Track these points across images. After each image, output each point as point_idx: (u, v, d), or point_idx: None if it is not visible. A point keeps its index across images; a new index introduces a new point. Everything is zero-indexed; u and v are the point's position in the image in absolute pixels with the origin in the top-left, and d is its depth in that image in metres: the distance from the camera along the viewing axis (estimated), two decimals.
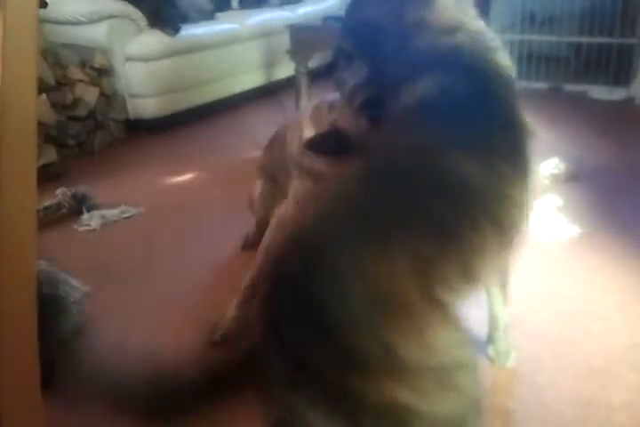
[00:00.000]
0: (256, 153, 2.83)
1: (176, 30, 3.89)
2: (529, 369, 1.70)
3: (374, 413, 0.92)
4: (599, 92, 4.41)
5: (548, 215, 2.53)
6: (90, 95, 3.52)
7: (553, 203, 2.62)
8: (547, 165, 2.90)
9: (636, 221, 2.53)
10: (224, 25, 4.38)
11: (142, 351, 1.82)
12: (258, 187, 2.31)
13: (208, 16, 4.52)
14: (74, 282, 2.04)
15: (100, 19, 3.70)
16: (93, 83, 3.55)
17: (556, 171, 2.87)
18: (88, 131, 3.52)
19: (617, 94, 4.34)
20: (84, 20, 3.69)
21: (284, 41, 4.06)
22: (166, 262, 2.35)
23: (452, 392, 0.97)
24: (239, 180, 2.90)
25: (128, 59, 3.76)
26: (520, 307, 1.98)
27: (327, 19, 3.87)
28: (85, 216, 2.64)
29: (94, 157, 3.47)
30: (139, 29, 3.84)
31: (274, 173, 2.20)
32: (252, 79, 4.53)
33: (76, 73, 3.44)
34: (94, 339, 1.88)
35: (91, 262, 2.33)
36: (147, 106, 3.83)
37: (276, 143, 2.17)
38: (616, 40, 4.48)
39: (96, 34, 3.70)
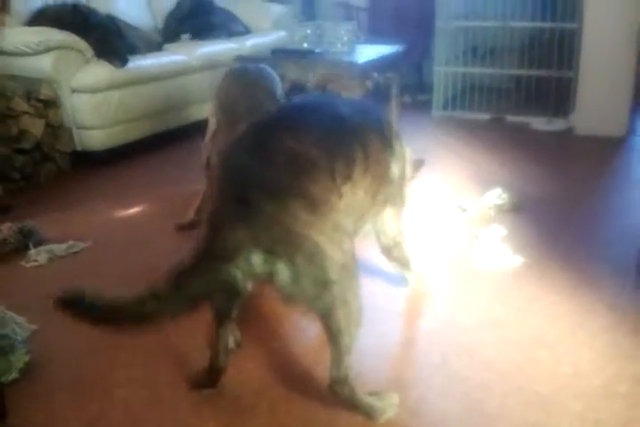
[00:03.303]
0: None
1: (123, 62, 3.89)
2: (478, 398, 1.73)
3: (294, 242, 1.44)
4: (539, 123, 4.56)
5: (493, 245, 2.60)
6: (35, 127, 3.49)
7: (497, 233, 2.69)
8: (490, 196, 2.98)
9: (575, 251, 2.61)
10: (172, 56, 4.40)
11: (94, 388, 1.81)
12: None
13: (156, 47, 4.54)
14: (21, 320, 2.01)
15: (46, 50, 3.67)
16: (39, 114, 3.52)
17: (499, 201, 2.95)
18: (34, 163, 3.48)
19: (556, 125, 4.49)
20: (29, 51, 3.66)
21: None
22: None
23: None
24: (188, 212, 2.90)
25: (75, 90, 3.74)
26: (468, 335, 2.04)
27: (274, 51, 3.93)
28: (32, 251, 2.60)
29: (41, 191, 3.42)
30: (85, 61, 3.82)
31: None
32: (201, 110, 4.53)
33: (20, 105, 3.40)
34: (43, 377, 1.85)
35: (38, 299, 2.28)
36: (94, 138, 3.80)
37: None
38: (554, 73, 4.66)
39: (42, 65, 3.67)
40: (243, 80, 2.70)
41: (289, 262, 1.45)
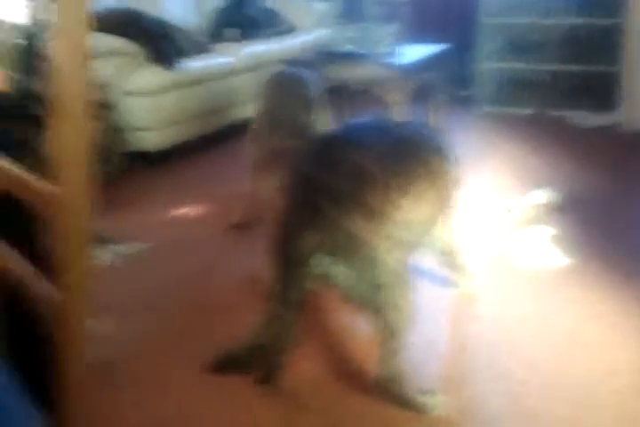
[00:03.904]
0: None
1: (173, 64, 4.02)
2: (519, 395, 1.81)
3: (352, 246, 1.60)
4: (582, 117, 4.57)
5: (540, 245, 2.66)
6: (92, 129, 3.63)
7: (545, 233, 2.75)
8: (535, 196, 3.03)
9: (622, 251, 2.64)
10: (219, 58, 4.52)
11: (152, 385, 1.92)
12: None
13: (202, 48, 4.66)
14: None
15: (101, 55, 3.82)
16: (95, 117, 3.66)
17: (544, 201, 2.99)
18: (90, 164, 3.62)
19: (601, 120, 4.48)
20: None
21: None
22: (178, 298, 2.45)
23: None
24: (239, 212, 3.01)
25: (128, 93, 3.88)
26: (510, 334, 2.11)
27: (319, 53, 4.02)
28: (96, 251, 2.73)
29: (98, 191, 3.55)
30: (137, 65, 3.96)
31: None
32: (246, 110, 4.65)
33: None
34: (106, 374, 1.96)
35: (101, 298, 2.40)
36: (147, 139, 3.95)
37: None
38: (597, 68, 4.64)
39: (97, 70, 3.82)
40: (279, 89, 2.85)
41: (347, 265, 1.62)
